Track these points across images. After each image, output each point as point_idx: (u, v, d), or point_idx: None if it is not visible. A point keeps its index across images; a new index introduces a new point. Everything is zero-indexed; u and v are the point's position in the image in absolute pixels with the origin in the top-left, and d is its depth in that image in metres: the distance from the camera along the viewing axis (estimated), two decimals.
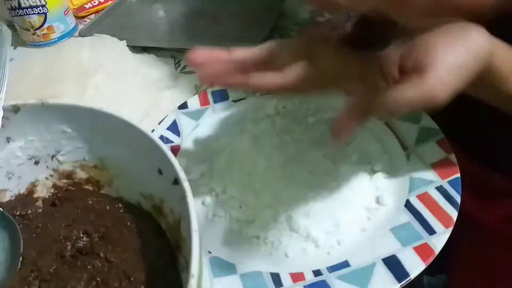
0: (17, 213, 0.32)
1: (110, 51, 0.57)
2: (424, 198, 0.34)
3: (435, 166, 0.36)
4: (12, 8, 0.62)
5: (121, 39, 0.60)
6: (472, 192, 0.43)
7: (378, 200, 0.35)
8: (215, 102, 0.47)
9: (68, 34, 0.67)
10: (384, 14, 0.26)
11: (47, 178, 0.35)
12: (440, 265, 0.55)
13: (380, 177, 0.37)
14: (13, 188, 0.34)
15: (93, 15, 0.73)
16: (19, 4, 0.61)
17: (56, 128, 0.33)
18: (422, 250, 0.30)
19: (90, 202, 0.33)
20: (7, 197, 0.34)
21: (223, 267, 0.32)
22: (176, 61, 0.59)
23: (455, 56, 0.24)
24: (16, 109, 0.31)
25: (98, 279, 0.27)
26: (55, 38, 0.65)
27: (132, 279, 0.27)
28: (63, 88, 0.51)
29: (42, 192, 0.35)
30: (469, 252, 0.50)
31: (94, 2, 0.75)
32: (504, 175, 0.43)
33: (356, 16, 0.34)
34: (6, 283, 0.28)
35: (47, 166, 0.34)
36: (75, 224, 0.31)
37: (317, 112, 0.44)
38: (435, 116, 0.39)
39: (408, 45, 0.26)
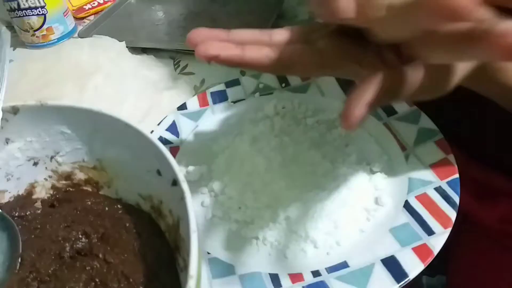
0: (16, 214, 0.32)
1: (109, 52, 0.57)
2: (423, 198, 0.34)
3: (434, 166, 0.36)
4: (12, 9, 0.62)
5: (120, 40, 0.60)
6: (471, 193, 0.43)
7: (377, 201, 0.35)
8: (214, 103, 0.47)
9: (68, 35, 0.67)
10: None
11: (46, 179, 0.35)
12: (439, 266, 0.55)
13: (379, 177, 0.37)
14: (12, 189, 0.34)
15: (93, 16, 0.73)
16: (19, 5, 0.61)
17: (55, 129, 0.32)
18: (421, 251, 0.30)
19: (89, 203, 0.33)
20: (6, 198, 0.34)
21: (222, 268, 0.32)
22: (175, 62, 0.59)
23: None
24: (15, 110, 0.31)
25: (97, 280, 0.27)
26: (54, 39, 0.65)
27: (131, 280, 0.27)
28: (62, 89, 0.51)
29: (41, 193, 0.35)
30: (468, 253, 0.51)
31: (94, 3, 0.75)
32: (503, 175, 0.43)
33: None
34: (4, 284, 0.28)
35: (46, 167, 0.34)
36: (74, 225, 0.31)
37: (316, 113, 0.45)
38: (433, 116, 0.40)
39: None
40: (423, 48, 0.22)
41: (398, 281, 0.29)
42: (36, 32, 0.64)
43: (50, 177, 0.35)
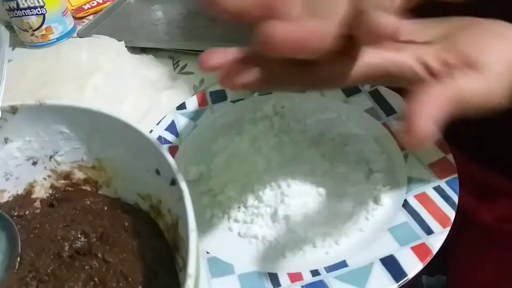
0: (15, 214, 0.32)
1: (108, 52, 0.57)
2: (422, 198, 0.34)
3: (433, 166, 0.36)
4: (11, 9, 0.62)
5: (119, 40, 0.60)
6: (470, 192, 0.43)
7: (376, 200, 0.35)
8: (213, 102, 0.47)
9: (67, 35, 0.67)
10: None
11: (45, 179, 0.35)
12: (438, 266, 0.55)
13: (378, 177, 0.37)
14: (11, 189, 0.34)
15: (92, 16, 0.73)
16: (18, 5, 0.61)
17: (54, 128, 0.32)
18: (420, 250, 0.30)
19: (88, 202, 0.33)
20: (5, 198, 0.34)
21: (221, 267, 0.32)
22: (174, 62, 0.59)
23: (504, 53, 0.23)
24: (14, 110, 0.31)
25: (96, 280, 0.27)
26: (53, 39, 0.65)
27: (129, 279, 0.27)
28: (62, 89, 0.51)
29: (40, 192, 0.35)
30: (467, 252, 0.51)
31: (93, 3, 0.75)
32: (502, 175, 0.43)
33: None
34: (3, 284, 0.28)
35: (45, 167, 0.34)
36: (73, 225, 0.31)
37: (315, 112, 0.45)
38: None
39: (447, 40, 0.24)
40: None
41: (397, 281, 0.29)
42: (35, 32, 0.64)
43: (49, 176, 0.35)
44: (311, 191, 0.36)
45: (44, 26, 0.64)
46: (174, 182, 0.26)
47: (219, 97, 0.48)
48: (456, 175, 0.34)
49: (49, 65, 0.56)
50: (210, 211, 0.37)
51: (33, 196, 0.35)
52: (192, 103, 0.47)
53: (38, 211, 0.33)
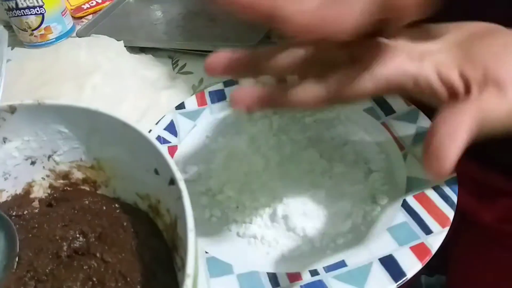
0: (14, 214, 0.32)
1: (107, 52, 0.57)
2: (421, 197, 0.34)
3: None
4: (10, 9, 0.62)
5: (118, 40, 0.60)
6: (469, 192, 0.43)
7: (374, 200, 0.35)
8: (212, 102, 0.47)
9: (66, 35, 0.67)
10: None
11: (43, 179, 0.35)
12: (438, 265, 0.55)
13: (377, 177, 0.37)
14: (10, 189, 0.34)
15: (91, 15, 0.73)
16: (17, 4, 0.61)
17: (53, 128, 0.32)
18: (419, 250, 0.30)
19: (87, 202, 0.33)
20: (3, 198, 0.34)
21: (220, 267, 0.32)
22: (173, 62, 0.59)
23: None
24: (12, 109, 0.31)
25: (94, 279, 0.27)
26: (52, 39, 0.65)
27: (128, 279, 0.27)
28: (60, 88, 0.51)
29: (39, 192, 0.35)
30: (467, 252, 0.51)
31: (92, 3, 0.75)
32: (501, 174, 0.43)
33: None
34: (1, 283, 0.28)
35: (43, 167, 0.34)
36: (71, 225, 0.31)
37: (314, 112, 0.44)
38: (432, 116, 0.39)
39: (463, 48, 0.23)
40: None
41: (396, 280, 0.29)
42: (34, 32, 0.64)
43: (47, 176, 0.35)
44: (310, 190, 0.36)
45: (43, 26, 0.64)
46: (172, 181, 0.26)
47: (218, 96, 0.48)
48: (455, 175, 0.34)
49: (48, 64, 0.56)
50: (209, 211, 0.37)
51: (32, 195, 0.35)
52: (191, 103, 0.47)
53: (36, 211, 0.33)
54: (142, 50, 0.61)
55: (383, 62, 0.23)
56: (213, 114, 0.46)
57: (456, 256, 0.52)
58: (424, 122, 0.39)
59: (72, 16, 0.70)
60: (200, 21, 0.67)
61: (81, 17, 0.73)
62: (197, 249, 0.22)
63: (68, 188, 0.35)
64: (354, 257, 0.31)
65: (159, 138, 0.43)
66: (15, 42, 0.67)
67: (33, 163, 0.34)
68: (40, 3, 0.62)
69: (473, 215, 0.46)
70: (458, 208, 0.32)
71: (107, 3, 0.74)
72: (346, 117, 0.43)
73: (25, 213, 0.33)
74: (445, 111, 0.21)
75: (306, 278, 0.31)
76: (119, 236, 0.30)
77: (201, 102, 0.47)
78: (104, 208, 0.32)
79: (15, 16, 0.63)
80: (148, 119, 0.47)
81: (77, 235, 0.30)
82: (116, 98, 0.50)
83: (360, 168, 0.38)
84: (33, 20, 0.63)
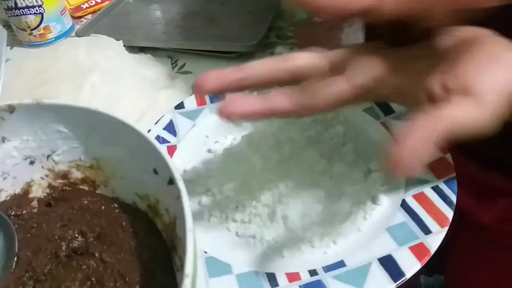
0: (12, 213, 0.32)
1: (106, 51, 0.57)
2: (420, 197, 0.34)
3: (431, 165, 0.36)
4: (9, 8, 0.62)
5: (117, 39, 0.60)
6: (468, 192, 0.44)
7: (374, 200, 0.35)
8: (211, 102, 0.47)
9: (65, 34, 0.67)
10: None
11: (42, 178, 0.35)
12: (437, 265, 0.55)
13: (376, 176, 0.37)
14: (8, 188, 0.34)
15: (90, 15, 0.73)
16: (16, 4, 0.61)
17: (52, 128, 0.32)
18: (418, 250, 0.30)
19: (86, 202, 0.33)
20: (2, 197, 0.34)
21: (219, 267, 0.32)
22: (173, 61, 0.59)
23: (502, 81, 0.23)
24: (11, 109, 0.31)
25: (93, 279, 0.27)
26: (51, 38, 0.65)
27: (127, 279, 0.27)
28: (59, 88, 0.51)
29: (38, 192, 0.35)
30: (466, 252, 0.51)
31: (91, 2, 0.75)
32: (500, 174, 0.43)
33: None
34: (0, 283, 0.28)
35: (42, 166, 0.34)
36: (70, 224, 0.31)
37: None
38: None
39: (448, 63, 0.24)
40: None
41: (395, 280, 0.29)
42: (33, 31, 0.64)
43: (46, 176, 0.35)
44: (309, 190, 0.36)
45: (42, 25, 0.64)
46: (171, 181, 0.26)
47: (217, 96, 0.47)
48: (454, 175, 0.34)
49: (47, 64, 0.56)
50: (208, 211, 0.37)
51: (31, 195, 0.34)
52: (191, 103, 0.47)
53: (35, 210, 0.33)
54: (142, 49, 0.61)
55: (366, 72, 0.25)
56: (212, 114, 0.46)
57: (455, 256, 0.52)
58: None
59: (71, 16, 0.70)
60: (199, 21, 0.67)
61: (80, 17, 0.73)
62: (196, 249, 0.22)
63: (67, 188, 0.35)
64: (353, 257, 0.31)
65: (158, 137, 0.43)
66: (14, 41, 0.67)
67: (32, 162, 0.34)
68: (39, 3, 0.62)
69: (472, 215, 0.46)
70: (457, 208, 0.32)
71: (106, 2, 0.74)
72: (345, 117, 0.43)
73: (23, 212, 0.33)
74: (421, 116, 0.21)
75: (305, 278, 0.31)
76: (118, 236, 0.30)
77: (201, 102, 0.47)
78: (103, 208, 0.32)
79: (14, 16, 0.62)
80: (147, 118, 0.47)
81: (76, 235, 0.30)
82: (115, 97, 0.50)
83: (360, 168, 0.38)
84: (32, 20, 0.63)
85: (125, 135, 0.29)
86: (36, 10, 0.62)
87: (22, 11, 0.62)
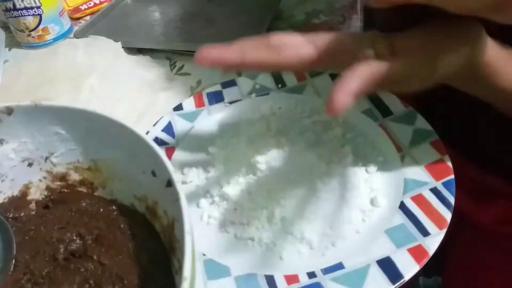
0: (10, 216, 0.32)
1: (105, 53, 0.57)
2: (418, 199, 0.34)
3: (429, 167, 0.36)
4: (7, 10, 0.62)
5: (116, 41, 0.60)
6: (467, 194, 0.44)
7: (372, 202, 0.35)
8: (210, 103, 0.47)
9: (63, 36, 0.66)
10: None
11: (40, 180, 0.35)
12: (436, 267, 0.55)
13: (374, 178, 0.37)
14: (6, 190, 0.34)
15: (89, 16, 0.73)
16: (14, 5, 0.61)
17: (50, 129, 0.32)
18: (416, 252, 0.30)
19: (84, 204, 0.33)
20: (0, 200, 0.34)
21: (217, 269, 0.32)
22: (171, 63, 0.58)
23: (447, 40, 0.26)
24: (9, 110, 0.31)
25: (91, 282, 0.27)
26: (50, 40, 0.65)
27: (125, 281, 0.27)
28: (58, 89, 0.51)
29: (36, 194, 0.35)
30: (464, 254, 0.51)
31: (90, 4, 0.75)
32: (498, 176, 0.43)
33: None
34: None
35: (40, 168, 0.34)
36: (68, 227, 0.31)
37: (312, 113, 0.45)
38: (429, 117, 0.40)
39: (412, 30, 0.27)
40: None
41: (393, 282, 0.29)
42: (31, 33, 0.64)
43: (44, 178, 0.35)
44: (308, 192, 0.36)
45: (40, 27, 0.63)
46: (170, 183, 0.26)
47: (216, 98, 0.47)
48: (452, 177, 0.34)
49: (45, 65, 0.56)
50: (206, 213, 0.37)
51: (29, 197, 0.34)
52: (189, 104, 0.47)
53: (33, 213, 0.33)
54: (140, 51, 0.61)
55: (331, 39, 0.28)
56: (211, 116, 0.46)
57: (454, 258, 0.52)
58: (421, 123, 0.39)
59: (69, 17, 0.70)
60: (198, 22, 0.67)
61: (78, 18, 0.73)
62: (194, 252, 0.22)
63: (65, 190, 0.35)
64: (352, 259, 0.31)
65: (156, 139, 0.43)
66: (12, 43, 0.67)
67: (30, 164, 0.34)
68: (38, 4, 0.61)
69: (470, 217, 0.46)
70: (456, 210, 0.32)
71: (105, 4, 0.74)
72: (343, 119, 0.43)
73: (21, 215, 0.33)
74: (351, 68, 0.25)
75: (304, 280, 0.31)
76: (116, 238, 0.29)
77: (199, 104, 0.47)
78: (101, 210, 0.32)
79: (12, 17, 0.62)
80: (145, 120, 0.47)
81: (74, 238, 0.30)
82: (113, 99, 0.50)
83: (358, 170, 0.38)
84: (30, 21, 0.63)
85: (123, 137, 0.29)
86: (35, 12, 0.62)
87: (20, 12, 0.61)
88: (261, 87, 0.48)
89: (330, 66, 0.31)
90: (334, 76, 0.46)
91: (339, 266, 0.31)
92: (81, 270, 0.28)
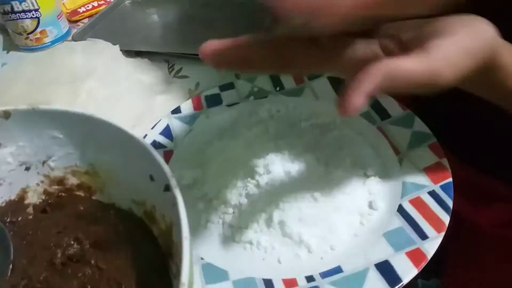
0: (8, 220, 0.32)
1: (103, 56, 0.57)
2: (417, 202, 0.34)
3: (428, 170, 0.36)
4: (5, 13, 0.61)
5: (114, 44, 0.60)
6: (465, 197, 0.44)
7: (371, 205, 0.35)
8: (208, 106, 0.47)
9: (61, 39, 0.66)
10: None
11: (38, 184, 0.34)
12: (434, 269, 0.55)
13: (373, 181, 0.37)
14: (4, 195, 0.34)
15: (87, 19, 0.73)
16: (12, 8, 0.61)
17: (48, 133, 0.32)
18: (415, 255, 0.30)
19: (82, 208, 0.32)
20: None
21: (215, 273, 0.32)
22: (169, 66, 0.58)
23: (462, 39, 0.24)
24: (7, 114, 0.31)
25: (89, 287, 0.27)
26: (48, 43, 0.65)
27: (123, 286, 0.27)
28: (56, 93, 0.51)
29: (33, 198, 0.35)
30: (462, 256, 0.51)
31: (88, 6, 0.74)
32: (496, 179, 0.44)
33: None
34: None
35: (38, 172, 0.34)
36: (66, 231, 0.31)
37: (310, 116, 0.45)
38: (427, 120, 0.40)
39: (410, 24, 0.26)
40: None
41: (391, 286, 0.29)
42: (29, 35, 0.63)
43: (42, 182, 0.35)
44: (306, 196, 0.36)
45: (38, 30, 0.63)
46: (168, 188, 0.25)
47: (214, 101, 0.47)
48: (450, 180, 0.34)
49: (43, 69, 0.56)
50: (205, 217, 0.37)
51: (26, 201, 0.34)
52: (187, 107, 0.47)
53: (30, 217, 0.33)
54: (138, 54, 0.61)
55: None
56: (209, 119, 0.46)
57: (452, 260, 0.52)
58: (419, 126, 0.39)
59: (68, 20, 0.70)
60: (196, 25, 0.67)
61: (77, 21, 0.73)
62: (192, 257, 0.22)
63: (63, 194, 0.35)
64: (350, 263, 0.31)
65: (154, 142, 0.43)
66: (10, 46, 0.67)
67: (27, 168, 0.34)
68: (36, 7, 0.61)
69: (469, 219, 0.46)
70: (454, 213, 0.32)
71: (103, 6, 0.74)
72: (342, 122, 0.43)
73: (19, 219, 0.32)
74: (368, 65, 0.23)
75: (302, 284, 0.31)
76: (114, 243, 0.29)
77: (197, 107, 0.47)
78: (99, 214, 0.32)
79: (10, 20, 0.62)
80: (143, 123, 0.47)
81: (72, 242, 0.30)
82: (111, 102, 0.50)
83: (356, 173, 0.38)
84: (28, 24, 0.62)
85: (121, 141, 0.29)
86: (33, 14, 0.62)
87: (18, 15, 0.61)
88: (259, 90, 0.48)
89: (338, 69, 0.30)
90: (332, 79, 0.46)
91: (338, 269, 0.31)
92: (79, 275, 0.28)
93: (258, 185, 0.37)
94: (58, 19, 0.65)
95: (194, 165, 0.41)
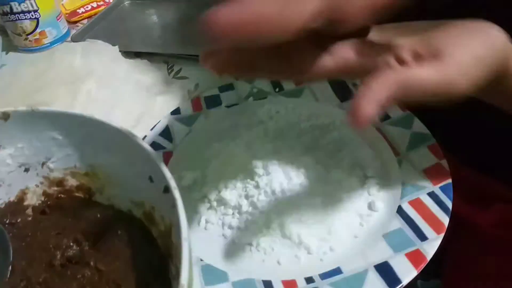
0: (7, 221, 0.32)
1: (102, 57, 0.57)
2: (416, 204, 0.34)
3: (427, 171, 0.36)
4: (4, 13, 0.61)
5: (113, 45, 0.60)
6: (464, 198, 0.44)
7: (370, 206, 0.35)
8: (208, 107, 0.47)
9: (61, 39, 0.66)
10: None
11: (37, 186, 0.34)
12: (434, 270, 0.55)
13: (372, 183, 0.37)
14: (3, 196, 0.34)
15: (86, 20, 0.73)
16: (11, 9, 0.61)
17: (47, 135, 0.32)
18: (414, 257, 0.30)
19: (81, 209, 0.32)
20: None
21: (215, 275, 0.32)
22: (169, 67, 0.58)
23: (475, 48, 0.24)
24: (6, 116, 0.31)
25: None
26: (47, 43, 0.65)
27: None
28: (55, 94, 0.51)
29: (32, 199, 0.35)
30: (462, 257, 0.51)
31: (87, 7, 0.74)
32: (496, 180, 0.44)
33: None
34: None
35: (37, 174, 0.34)
36: (65, 232, 0.31)
37: (309, 117, 0.45)
38: (426, 121, 0.40)
39: (423, 33, 0.25)
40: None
41: (391, 287, 0.29)
42: (29, 36, 0.64)
43: (41, 183, 0.34)
44: (306, 197, 0.36)
45: (37, 31, 0.63)
46: (167, 189, 0.25)
47: (213, 102, 0.47)
48: (450, 181, 0.34)
49: (42, 69, 0.56)
50: (204, 218, 0.37)
51: (25, 203, 0.34)
52: (187, 108, 0.47)
53: (30, 218, 0.33)
54: (137, 55, 0.61)
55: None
56: (208, 120, 0.46)
57: (452, 261, 0.52)
58: (419, 127, 0.39)
59: (67, 21, 0.70)
60: (195, 26, 0.67)
61: (76, 22, 0.73)
62: (191, 258, 0.22)
63: (62, 195, 0.35)
64: (350, 264, 0.31)
65: (154, 143, 0.43)
66: (9, 46, 0.67)
67: (26, 170, 0.34)
68: (35, 8, 0.61)
69: (468, 220, 0.46)
70: (453, 214, 0.32)
71: (103, 7, 0.74)
72: (341, 123, 0.43)
73: (18, 221, 0.32)
74: (374, 75, 0.22)
75: (302, 285, 0.31)
76: (113, 244, 0.29)
77: (197, 108, 0.47)
78: (98, 215, 0.32)
79: (9, 21, 0.62)
80: (143, 124, 0.47)
81: (71, 244, 0.30)
82: (110, 103, 0.50)
83: (356, 174, 0.38)
84: (27, 25, 0.62)
85: (120, 143, 0.29)
86: (32, 15, 0.62)
87: (17, 16, 0.61)
88: (258, 91, 0.48)
89: (349, 75, 0.28)
90: (331, 80, 0.46)
91: (337, 271, 0.31)
92: (78, 276, 0.28)
93: (257, 186, 0.37)
94: (57, 20, 0.65)
95: (193, 166, 0.41)
